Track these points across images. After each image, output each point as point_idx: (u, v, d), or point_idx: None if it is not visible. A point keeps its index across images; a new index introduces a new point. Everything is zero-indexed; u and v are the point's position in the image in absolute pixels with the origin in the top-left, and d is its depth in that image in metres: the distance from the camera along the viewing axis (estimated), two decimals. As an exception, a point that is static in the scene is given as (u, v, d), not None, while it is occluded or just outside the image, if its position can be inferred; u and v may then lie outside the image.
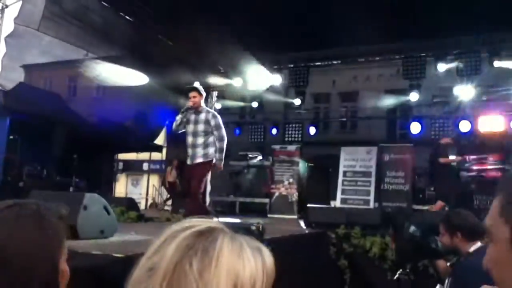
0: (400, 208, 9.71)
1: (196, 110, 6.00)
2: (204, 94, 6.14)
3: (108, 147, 12.49)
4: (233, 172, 11.93)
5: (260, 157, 12.41)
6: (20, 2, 9.42)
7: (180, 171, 11.05)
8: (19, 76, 10.67)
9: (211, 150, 5.95)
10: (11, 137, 9.18)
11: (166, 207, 10.35)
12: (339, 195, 11.05)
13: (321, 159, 13.51)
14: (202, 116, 5.98)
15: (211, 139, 5.97)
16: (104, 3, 11.08)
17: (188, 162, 6.02)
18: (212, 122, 5.94)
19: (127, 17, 11.63)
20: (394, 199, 10.18)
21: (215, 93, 12.07)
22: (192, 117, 6.02)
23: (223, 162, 6.04)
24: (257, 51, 9.72)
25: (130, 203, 8.31)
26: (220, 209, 10.69)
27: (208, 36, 8.94)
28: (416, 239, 3.70)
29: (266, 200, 11.12)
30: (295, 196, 11.03)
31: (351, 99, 19.84)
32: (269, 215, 10.41)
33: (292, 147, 11.84)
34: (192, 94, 5.98)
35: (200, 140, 5.94)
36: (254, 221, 5.34)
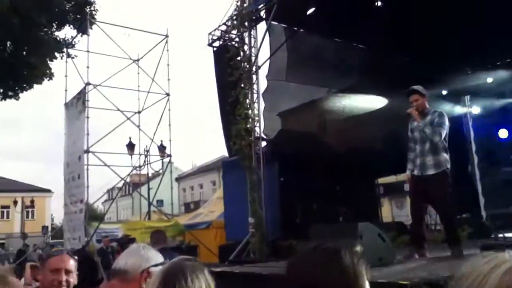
0: None
1: (421, 113, 5.51)
2: (426, 94, 5.62)
3: (365, 173, 12.73)
4: (507, 179, 10.52)
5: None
6: (268, 61, 10.77)
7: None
8: (278, 124, 12.05)
9: (443, 157, 5.31)
10: (281, 179, 10.34)
11: (438, 227, 9.80)
12: None
13: None
14: (428, 118, 5.44)
15: (441, 143, 5.33)
16: (337, 39, 11.75)
17: (416, 172, 5.50)
18: (436, 121, 5.34)
19: (359, 46, 12.01)
20: None
21: (467, 97, 11.08)
22: (416, 122, 5.54)
23: None
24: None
25: (400, 227, 8.21)
26: (500, 223, 9.49)
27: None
28: None
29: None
30: None
31: None
32: None
33: None
34: (413, 97, 5.56)
35: (427, 146, 5.38)
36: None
